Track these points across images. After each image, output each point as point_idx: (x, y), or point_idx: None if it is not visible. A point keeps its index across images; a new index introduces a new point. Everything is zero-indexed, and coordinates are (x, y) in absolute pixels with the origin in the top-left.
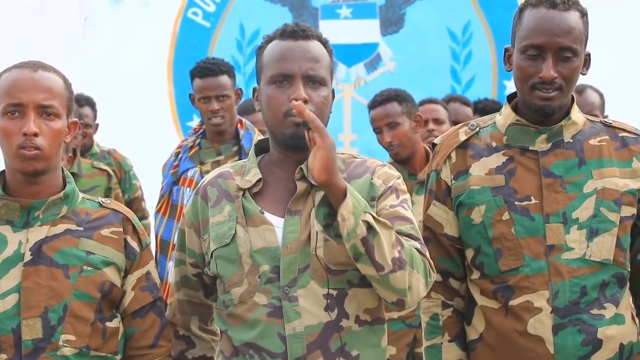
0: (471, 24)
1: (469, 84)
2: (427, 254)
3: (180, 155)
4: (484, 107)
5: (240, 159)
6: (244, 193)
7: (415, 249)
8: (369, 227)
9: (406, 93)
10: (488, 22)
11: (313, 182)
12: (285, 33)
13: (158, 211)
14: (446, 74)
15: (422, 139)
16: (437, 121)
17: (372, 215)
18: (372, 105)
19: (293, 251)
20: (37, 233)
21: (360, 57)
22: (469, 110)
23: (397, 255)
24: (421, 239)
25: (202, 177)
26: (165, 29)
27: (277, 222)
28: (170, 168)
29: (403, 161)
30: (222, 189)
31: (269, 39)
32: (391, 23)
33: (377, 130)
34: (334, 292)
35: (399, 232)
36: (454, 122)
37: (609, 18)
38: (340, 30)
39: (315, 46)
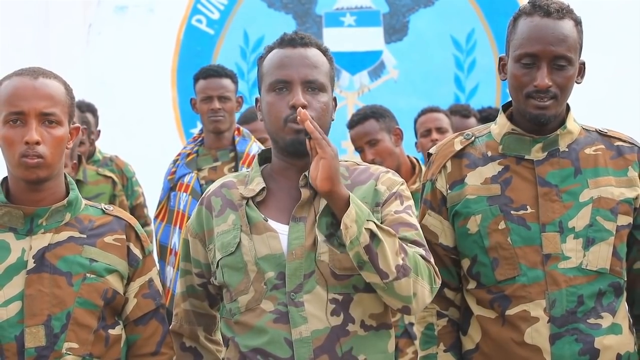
0: (475, 32)
1: (473, 92)
2: (432, 260)
3: (177, 162)
4: (487, 116)
5: (236, 164)
6: (247, 202)
7: (420, 255)
8: (372, 235)
9: (383, 108)
10: (492, 30)
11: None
12: (284, 41)
13: (157, 217)
14: (450, 82)
15: (426, 149)
16: (440, 130)
17: (375, 223)
18: (350, 125)
19: (298, 257)
20: (41, 240)
21: (363, 64)
22: (470, 122)
23: (401, 262)
24: (426, 245)
25: (199, 182)
26: (170, 36)
27: (281, 229)
28: (167, 175)
29: None
30: (226, 199)
31: (269, 49)
32: (395, 31)
33: (359, 149)
34: (340, 297)
35: (404, 239)
36: None
37: (608, 27)
38: (344, 37)
39: (313, 53)
